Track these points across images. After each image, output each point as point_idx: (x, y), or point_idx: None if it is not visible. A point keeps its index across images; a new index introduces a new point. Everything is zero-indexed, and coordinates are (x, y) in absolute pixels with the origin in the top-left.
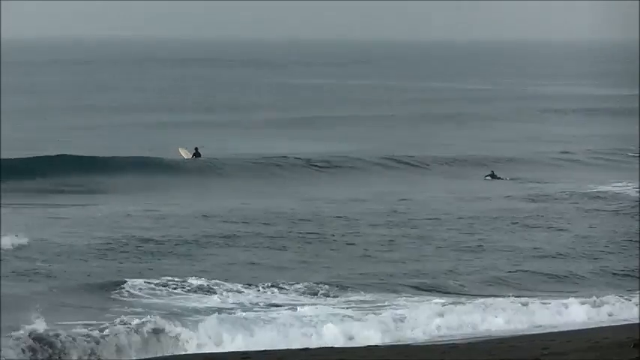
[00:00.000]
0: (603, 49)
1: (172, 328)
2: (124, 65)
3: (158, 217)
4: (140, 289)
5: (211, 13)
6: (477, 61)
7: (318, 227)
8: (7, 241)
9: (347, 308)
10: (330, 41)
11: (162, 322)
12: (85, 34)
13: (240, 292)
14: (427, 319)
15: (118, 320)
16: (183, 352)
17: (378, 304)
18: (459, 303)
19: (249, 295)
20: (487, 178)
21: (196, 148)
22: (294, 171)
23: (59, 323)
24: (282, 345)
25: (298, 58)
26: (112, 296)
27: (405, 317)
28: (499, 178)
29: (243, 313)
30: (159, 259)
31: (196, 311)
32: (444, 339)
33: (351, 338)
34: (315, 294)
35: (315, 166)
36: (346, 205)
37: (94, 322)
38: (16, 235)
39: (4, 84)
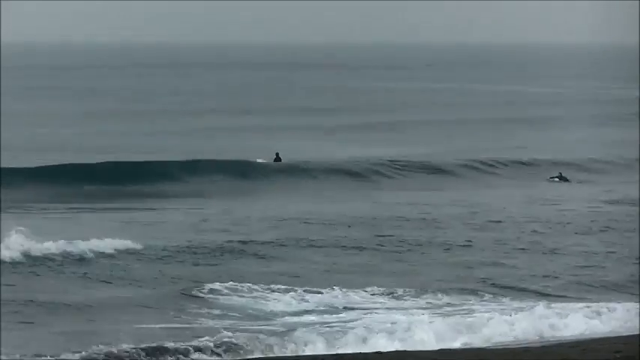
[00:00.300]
0: (607, 51)
1: (269, 339)
2: (172, 69)
3: (242, 220)
4: (228, 291)
5: (237, 14)
6: (531, 63)
7: (398, 230)
8: (119, 245)
9: (428, 313)
10: (389, 44)
11: (265, 337)
12: (95, 36)
13: (319, 293)
14: (504, 321)
15: (218, 329)
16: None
17: (458, 307)
18: (537, 306)
19: (330, 298)
20: (555, 179)
21: (277, 154)
22: (375, 174)
23: (160, 327)
24: (364, 349)
25: (366, 62)
26: (204, 300)
27: (484, 320)
28: (567, 180)
29: (326, 316)
30: (244, 262)
31: (281, 315)
32: (519, 342)
33: (431, 341)
34: (395, 297)
35: (397, 169)
36: (425, 207)
37: (188, 325)
38: (125, 240)
39: (68, 89)
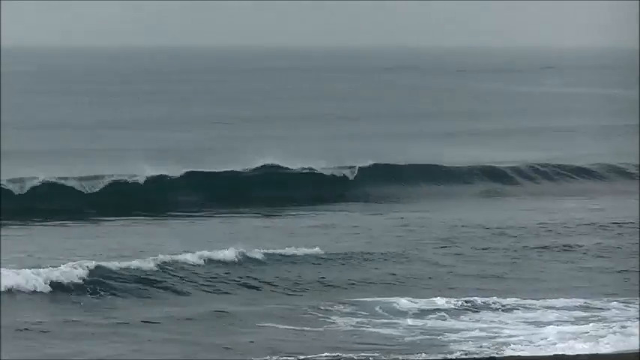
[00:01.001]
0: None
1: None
2: (311, 73)
3: (377, 225)
4: (363, 291)
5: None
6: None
7: (529, 235)
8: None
9: (557, 318)
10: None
11: None
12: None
13: (450, 297)
14: (631, 327)
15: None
16: None
17: (587, 312)
18: None
19: (460, 302)
20: None
21: None
22: (512, 178)
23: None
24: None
25: (480, 66)
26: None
27: (610, 326)
28: None
29: (454, 321)
30: (375, 264)
31: (408, 315)
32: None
33: (555, 347)
34: (525, 301)
35: (540, 173)
36: (563, 215)
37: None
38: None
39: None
